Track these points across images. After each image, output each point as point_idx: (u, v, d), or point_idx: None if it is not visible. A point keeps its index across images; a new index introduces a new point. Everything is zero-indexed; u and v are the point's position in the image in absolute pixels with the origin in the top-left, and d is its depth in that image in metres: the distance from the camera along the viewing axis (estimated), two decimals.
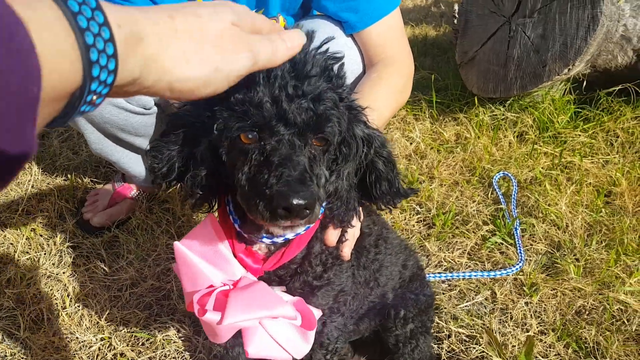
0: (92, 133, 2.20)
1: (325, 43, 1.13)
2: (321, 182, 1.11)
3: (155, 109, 2.22)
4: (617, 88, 3.23)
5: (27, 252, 2.37)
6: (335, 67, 1.13)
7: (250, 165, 1.07)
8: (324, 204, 1.23)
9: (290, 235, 1.26)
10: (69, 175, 2.85)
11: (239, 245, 1.31)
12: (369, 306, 1.70)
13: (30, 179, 2.80)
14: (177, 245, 1.24)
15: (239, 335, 1.25)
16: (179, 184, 1.27)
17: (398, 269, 1.73)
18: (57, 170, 2.92)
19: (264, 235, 1.25)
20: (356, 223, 1.38)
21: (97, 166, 3.00)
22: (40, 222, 2.53)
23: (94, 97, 0.66)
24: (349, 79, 2.03)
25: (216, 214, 1.34)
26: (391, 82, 1.89)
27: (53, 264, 2.30)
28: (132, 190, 2.64)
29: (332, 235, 1.35)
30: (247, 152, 1.07)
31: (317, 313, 1.34)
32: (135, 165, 2.45)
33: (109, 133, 2.21)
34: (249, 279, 1.28)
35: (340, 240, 1.39)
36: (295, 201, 0.96)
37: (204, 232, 1.26)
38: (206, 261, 1.25)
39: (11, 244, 2.41)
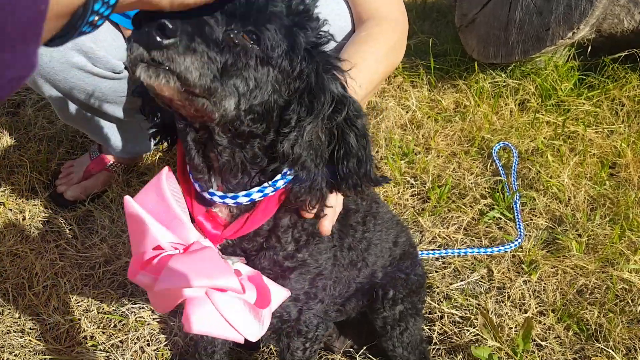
0: (57, 99, 2.04)
1: None
2: (229, 74, 0.91)
3: (125, 73, 2.05)
4: (623, 54, 3.04)
5: None
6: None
7: None
8: (290, 170, 1.08)
9: (242, 198, 1.10)
10: (43, 146, 2.69)
11: (199, 207, 1.16)
12: (356, 287, 1.56)
13: (1, 148, 2.64)
14: (127, 199, 1.08)
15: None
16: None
17: (389, 245, 1.59)
18: (30, 141, 2.76)
19: (212, 191, 1.10)
20: (333, 202, 1.22)
21: (74, 136, 2.83)
22: (11, 196, 2.39)
23: (96, 18, 0.68)
24: (337, 37, 1.87)
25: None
26: (382, 41, 1.71)
27: (21, 241, 2.16)
28: (108, 162, 2.48)
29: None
30: None
31: (283, 293, 1.17)
32: (109, 135, 2.29)
33: (78, 99, 2.04)
34: (200, 244, 1.11)
35: (318, 215, 1.23)
36: (162, 20, 0.79)
37: (157, 186, 1.09)
38: (157, 220, 1.08)
39: None
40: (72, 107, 2.09)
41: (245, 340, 1.07)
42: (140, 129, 2.41)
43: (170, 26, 0.80)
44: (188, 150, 1.07)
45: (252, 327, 1.08)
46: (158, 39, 0.80)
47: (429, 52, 3.34)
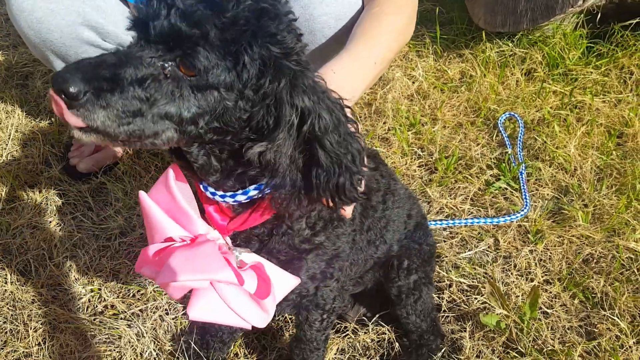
0: None
1: None
2: (159, 106, 0.94)
3: None
4: (635, 21, 3.03)
5: (12, 201, 2.27)
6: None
7: None
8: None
9: (240, 196, 1.12)
10: (53, 119, 2.71)
11: (208, 200, 1.19)
12: (374, 262, 1.61)
13: (14, 122, 2.67)
14: (142, 194, 1.14)
15: None
16: None
17: (404, 219, 1.63)
18: (41, 114, 2.78)
19: (214, 191, 1.13)
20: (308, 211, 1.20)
21: None
22: (25, 169, 2.42)
23: None
24: (346, 14, 1.88)
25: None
26: (395, 16, 1.72)
27: (39, 213, 2.21)
28: None
29: None
30: None
31: (291, 281, 1.21)
32: None
33: None
34: (204, 237, 1.15)
35: (311, 210, 1.23)
36: (59, 77, 0.85)
37: (166, 182, 1.14)
38: (167, 214, 1.13)
39: None
40: None
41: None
42: None
43: (73, 91, 0.85)
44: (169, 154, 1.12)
45: (258, 315, 1.13)
46: (65, 99, 0.86)
47: (435, 21, 3.32)
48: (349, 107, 1.06)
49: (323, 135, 0.97)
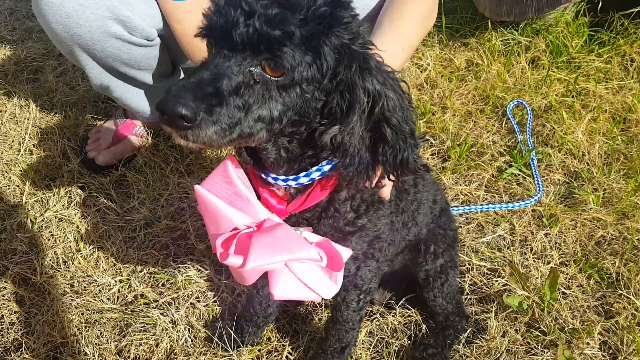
0: (93, 68, 2.08)
1: None
2: (253, 111, 0.99)
3: (158, 40, 2.09)
4: (635, 10, 3.10)
5: (34, 194, 2.29)
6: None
7: None
8: (331, 160, 1.13)
9: (303, 178, 1.18)
10: (68, 112, 2.73)
11: (263, 188, 1.26)
12: (405, 244, 1.66)
13: (29, 116, 2.68)
14: (198, 188, 1.19)
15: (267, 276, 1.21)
16: None
17: (430, 204, 1.68)
18: (55, 107, 2.79)
19: (276, 176, 1.19)
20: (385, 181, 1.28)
21: (96, 101, 2.87)
22: (44, 162, 2.44)
23: None
24: (371, 3, 1.92)
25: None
26: (419, 5, 1.77)
27: (63, 206, 2.24)
28: (135, 127, 2.54)
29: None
30: None
31: (347, 253, 1.28)
32: (138, 100, 2.34)
33: (111, 67, 2.09)
34: (273, 221, 1.22)
35: (378, 186, 1.31)
36: (169, 105, 0.89)
37: (224, 172, 1.19)
38: (228, 203, 1.18)
39: (17, 186, 2.33)
40: (106, 76, 2.13)
41: None
42: None
43: (189, 114, 0.89)
44: (237, 148, 1.16)
45: (327, 287, 1.20)
46: (182, 123, 0.91)
47: (440, 11, 3.36)
48: (403, 81, 1.12)
49: (391, 115, 1.04)
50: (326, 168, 1.16)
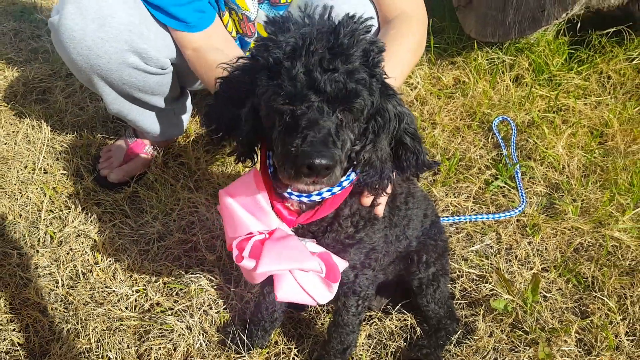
0: (109, 94, 2.24)
1: (353, 17, 1.24)
2: (346, 146, 1.22)
3: (170, 68, 2.26)
4: (612, 30, 3.31)
5: (52, 211, 2.45)
6: (375, 48, 1.22)
7: (283, 126, 1.20)
8: (357, 172, 1.35)
9: (315, 196, 1.37)
10: (79, 132, 2.89)
11: (276, 198, 1.43)
12: (396, 255, 1.84)
13: (42, 137, 2.84)
14: (222, 193, 1.40)
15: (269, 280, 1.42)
16: (224, 139, 1.41)
17: (420, 218, 1.86)
18: (66, 127, 2.95)
19: (291, 191, 1.37)
20: (389, 190, 1.49)
21: (105, 121, 3.03)
22: (60, 181, 2.60)
23: None
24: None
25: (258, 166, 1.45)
26: (410, 37, 1.95)
27: (80, 222, 2.39)
28: (145, 146, 2.70)
29: (367, 198, 1.48)
30: (282, 113, 1.19)
31: (343, 264, 1.47)
32: (150, 122, 2.50)
33: (127, 93, 2.25)
34: (283, 231, 1.40)
35: (373, 204, 1.51)
36: (317, 161, 1.09)
37: (247, 182, 1.38)
38: (246, 210, 1.38)
39: (35, 203, 2.48)
40: (121, 101, 2.30)
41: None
42: (174, 114, 2.63)
43: (331, 164, 1.11)
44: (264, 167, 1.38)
45: (323, 294, 1.41)
46: (326, 172, 1.13)
47: (429, 32, 3.56)
48: (401, 94, 1.36)
49: (409, 127, 1.30)
50: (346, 183, 1.37)
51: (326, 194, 1.37)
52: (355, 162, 1.31)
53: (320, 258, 1.40)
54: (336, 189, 1.36)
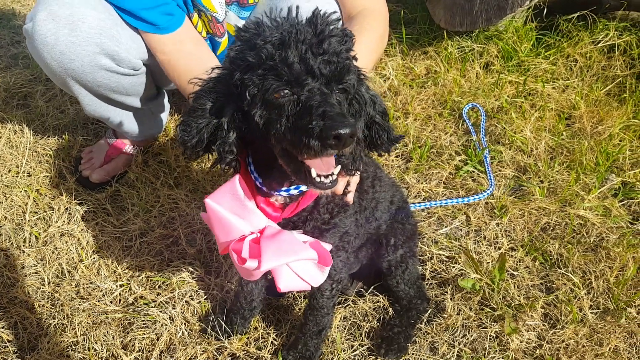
0: (85, 96, 2.31)
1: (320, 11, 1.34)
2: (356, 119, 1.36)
3: (143, 69, 2.33)
4: (577, 14, 3.41)
5: (36, 212, 2.52)
6: (348, 32, 1.34)
7: (287, 116, 1.26)
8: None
9: (293, 191, 1.47)
10: (60, 135, 2.96)
11: (260, 197, 1.52)
12: (366, 237, 1.94)
13: (24, 140, 2.90)
14: (208, 201, 1.46)
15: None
16: (206, 152, 1.46)
17: (387, 204, 1.95)
18: (47, 131, 3.02)
19: (282, 189, 1.47)
20: (350, 188, 1.59)
21: (86, 123, 3.10)
22: (43, 183, 2.67)
23: None
24: None
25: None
26: (372, 32, 2.04)
27: (64, 222, 2.47)
28: (125, 145, 2.77)
29: (340, 184, 1.57)
30: (282, 106, 1.27)
31: (329, 247, 1.57)
32: (128, 122, 2.57)
33: (102, 95, 2.32)
34: (273, 228, 1.49)
35: (345, 192, 1.61)
36: (342, 130, 1.16)
37: (231, 187, 1.46)
38: (234, 214, 1.46)
39: (19, 205, 2.55)
40: (97, 102, 2.36)
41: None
42: (151, 114, 2.71)
43: (355, 131, 1.18)
44: (273, 177, 1.47)
45: (317, 278, 1.51)
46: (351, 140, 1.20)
47: (400, 22, 3.66)
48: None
49: (382, 106, 1.43)
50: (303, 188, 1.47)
51: (303, 187, 1.46)
52: None
53: (311, 246, 1.50)
54: None
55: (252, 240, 1.42)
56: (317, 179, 1.29)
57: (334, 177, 1.31)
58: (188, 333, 2.04)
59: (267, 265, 1.37)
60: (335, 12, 1.39)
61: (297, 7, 1.37)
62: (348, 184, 1.61)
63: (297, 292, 2.19)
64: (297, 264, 1.45)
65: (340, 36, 1.29)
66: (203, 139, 1.39)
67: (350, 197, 1.65)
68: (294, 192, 1.47)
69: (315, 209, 1.58)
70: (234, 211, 1.43)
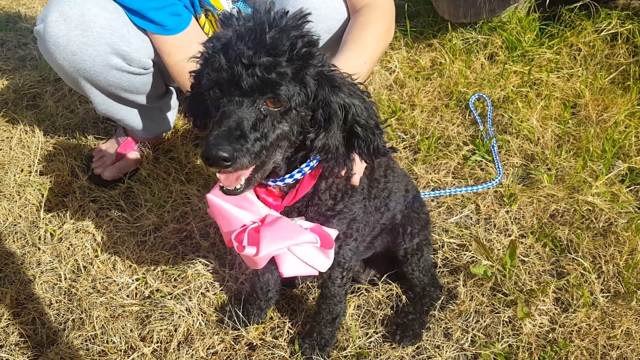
0: (97, 96, 2.34)
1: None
2: (270, 137, 1.30)
3: (152, 68, 2.36)
4: (578, 4, 3.42)
5: (50, 210, 2.55)
6: (300, 41, 1.29)
7: (214, 118, 1.32)
8: (317, 157, 1.44)
9: (288, 179, 1.49)
10: (71, 134, 2.99)
11: (260, 188, 1.56)
12: (381, 228, 1.96)
13: (35, 140, 2.94)
14: (209, 196, 1.51)
15: (270, 262, 1.54)
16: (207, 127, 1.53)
17: (402, 193, 1.98)
18: (58, 130, 3.05)
19: (277, 179, 1.49)
20: (355, 170, 1.59)
21: (96, 122, 3.13)
22: (56, 181, 2.70)
23: None
24: (335, 27, 2.21)
25: None
26: (378, 24, 2.06)
27: (78, 218, 2.50)
28: (136, 143, 2.81)
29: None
30: (218, 107, 1.31)
31: (334, 233, 1.59)
32: (138, 120, 2.60)
33: (113, 94, 2.35)
34: (273, 215, 1.52)
35: (348, 177, 1.62)
36: (213, 153, 1.18)
37: None
38: (235, 206, 1.49)
39: (33, 204, 2.59)
40: (108, 101, 2.40)
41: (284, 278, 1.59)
42: (161, 111, 2.74)
43: (228, 156, 1.18)
44: None
45: (323, 262, 1.54)
46: (224, 164, 1.20)
47: (405, 16, 3.68)
48: (360, 83, 1.43)
49: (360, 118, 1.36)
50: (313, 163, 1.47)
51: (297, 175, 1.48)
52: (311, 149, 1.39)
53: (312, 231, 1.53)
54: (306, 169, 1.48)
55: (253, 229, 1.46)
56: (222, 184, 1.35)
57: (240, 187, 1.34)
58: (205, 324, 2.07)
59: (265, 251, 1.41)
60: (308, 14, 1.35)
61: (273, 3, 1.35)
62: (350, 168, 1.59)
63: (310, 282, 2.22)
64: (300, 249, 1.47)
65: (290, 45, 1.25)
66: (199, 118, 1.53)
67: (355, 179, 1.64)
68: (289, 180, 1.49)
69: (315, 195, 1.58)
70: (235, 203, 1.48)
